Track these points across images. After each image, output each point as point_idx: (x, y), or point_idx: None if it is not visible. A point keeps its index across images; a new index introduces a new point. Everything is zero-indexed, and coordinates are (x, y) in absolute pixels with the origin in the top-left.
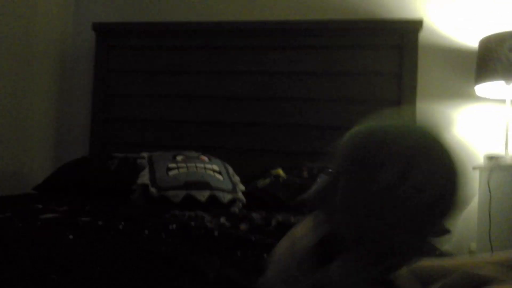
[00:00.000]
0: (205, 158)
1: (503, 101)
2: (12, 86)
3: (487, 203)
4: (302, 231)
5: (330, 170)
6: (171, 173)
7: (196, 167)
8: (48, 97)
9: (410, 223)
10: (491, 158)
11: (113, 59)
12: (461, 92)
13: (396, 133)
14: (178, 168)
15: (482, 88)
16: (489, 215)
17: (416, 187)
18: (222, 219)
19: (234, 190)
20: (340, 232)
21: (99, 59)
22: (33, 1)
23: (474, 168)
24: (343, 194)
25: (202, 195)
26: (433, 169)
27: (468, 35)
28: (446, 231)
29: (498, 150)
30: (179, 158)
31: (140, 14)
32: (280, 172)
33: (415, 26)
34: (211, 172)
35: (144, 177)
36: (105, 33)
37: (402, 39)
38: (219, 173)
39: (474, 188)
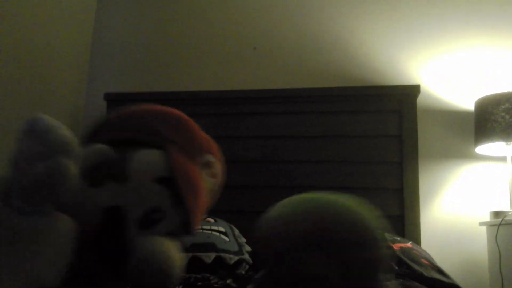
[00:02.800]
0: (211, 220)
1: (504, 158)
2: None
3: (497, 260)
4: None
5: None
6: None
7: (202, 229)
8: None
9: None
10: (497, 214)
11: None
12: (462, 152)
13: (285, 224)
14: None
15: (483, 148)
16: (500, 272)
17: (307, 279)
18: (229, 281)
19: (240, 251)
20: None
21: None
22: (47, 72)
23: (481, 224)
24: None
25: (208, 257)
26: (321, 259)
27: (464, 98)
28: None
29: (503, 206)
30: None
31: (149, 84)
32: None
33: (413, 91)
34: (217, 234)
35: None
36: (116, 102)
37: (401, 103)
38: (225, 234)
39: (482, 245)
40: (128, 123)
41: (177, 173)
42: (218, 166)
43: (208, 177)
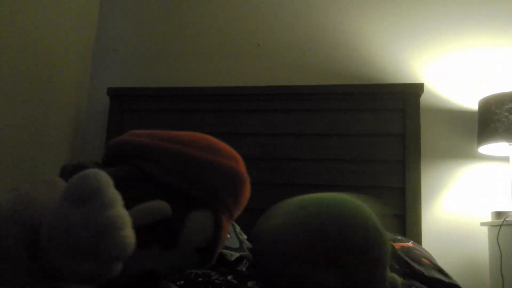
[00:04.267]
0: None
1: (507, 158)
2: (27, 149)
3: (498, 261)
4: None
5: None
6: None
7: None
8: (61, 161)
9: None
10: (498, 214)
11: (125, 121)
12: (464, 152)
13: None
14: None
15: (486, 148)
16: (501, 272)
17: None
18: (230, 277)
19: (241, 248)
20: None
21: (112, 122)
22: (51, 67)
23: (482, 224)
24: None
25: None
26: (319, 271)
27: (467, 97)
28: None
29: (505, 207)
30: None
31: (152, 80)
32: None
33: (417, 89)
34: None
35: None
36: (119, 97)
37: (405, 102)
38: None
39: (483, 245)
40: (190, 170)
41: (220, 244)
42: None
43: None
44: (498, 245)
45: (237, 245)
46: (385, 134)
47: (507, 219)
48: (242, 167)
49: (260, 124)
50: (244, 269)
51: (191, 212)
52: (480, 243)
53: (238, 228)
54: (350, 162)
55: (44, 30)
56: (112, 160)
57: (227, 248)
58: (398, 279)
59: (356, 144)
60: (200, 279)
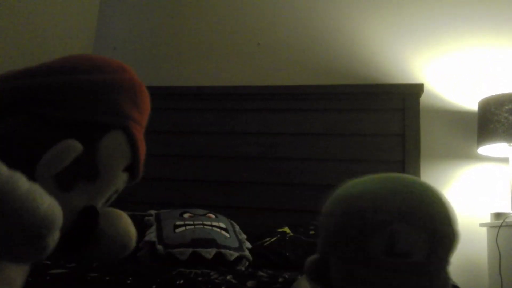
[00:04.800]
0: (212, 216)
1: (507, 159)
2: None
3: (497, 262)
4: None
5: (319, 244)
6: (178, 230)
7: (203, 224)
8: None
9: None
10: (498, 216)
11: None
12: (464, 152)
13: (376, 199)
14: (185, 225)
15: (485, 148)
16: (500, 273)
17: (402, 254)
18: (229, 277)
19: (240, 248)
20: None
21: None
22: None
23: (481, 225)
24: (335, 271)
25: (209, 253)
26: (416, 233)
27: (467, 98)
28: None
29: (504, 208)
30: (186, 215)
31: (152, 78)
32: (287, 230)
33: (416, 90)
34: (218, 230)
35: (151, 235)
36: None
37: (404, 102)
38: (226, 230)
39: (482, 246)
40: (87, 98)
41: (140, 159)
42: None
43: None
44: (497, 246)
45: (236, 244)
46: (385, 134)
47: (506, 220)
48: (130, 73)
49: (260, 123)
50: (243, 269)
51: (101, 138)
52: (479, 244)
53: (237, 228)
54: (349, 162)
55: (44, 29)
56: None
57: (226, 247)
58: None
59: (356, 144)
60: (199, 279)
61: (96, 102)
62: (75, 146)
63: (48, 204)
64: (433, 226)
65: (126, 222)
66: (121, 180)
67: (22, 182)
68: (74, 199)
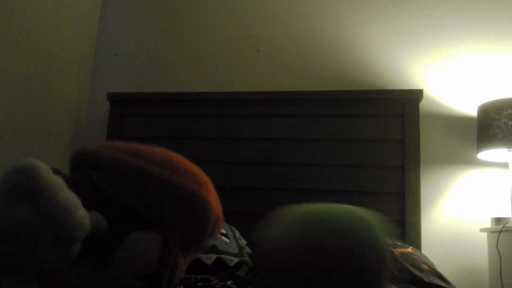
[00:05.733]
0: None
1: (506, 164)
2: (28, 153)
3: (498, 267)
4: None
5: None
6: None
7: None
8: (62, 165)
9: None
10: (498, 221)
11: (125, 126)
12: (463, 158)
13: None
14: None
15: (485, 154)
16: (501, 278)
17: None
18: (229, 282)
19: (240, 253)
20: None
21: (112, 126)
22: (51, 72)
23: (481, 231)
24: None
25: (209, 258)
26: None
27: (466, 103)
28: None
29: (504, 213)
30: None
31: (152, 85)
32: None
33: (416, 95)
34: (218, 235)
35: None
36: (119, 102)
37: (404, 108)
38: (226, 236)
39: (482, 251)
40: (134, 183)
41: (164, 274)
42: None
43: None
44: (498, 251)
45: (236, 250)
46: (384, 139)
47: (506, 225)
48: (203, 190)
49: (260, 129)
50: (243, 274)
51: (131, 232)
52: (480, 249)
53: (237, 233)
54: (349, 168)
55: (45, 35)
56: (75, 170)
57: (226, 253)
58: None
59: (356, 149)
60: (199, 284)
61: (146, 193)
62: (99, 222)
63: (83, 212)
64: (383, 264)
65: None
66: (131, 286)
67: (64, 188)
68: (74, 276)
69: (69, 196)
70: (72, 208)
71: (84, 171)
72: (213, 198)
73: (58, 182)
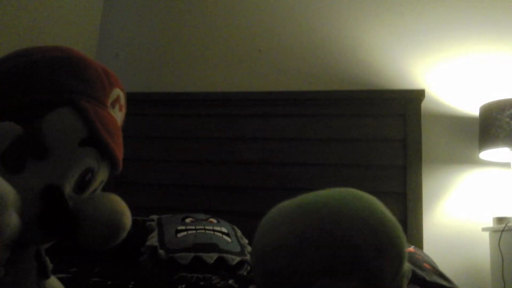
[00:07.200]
0: (214, 221)
1: (508, 164)
2: None
3: (500, 266)
4: None
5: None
6: (180, 235)
7: (205, 229)
8: None
9: None
10: (500, 220)
11: (128, 125)
12: (465, 157)
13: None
14: (187, 230)
15: (487, 153)
16: (503, 278)
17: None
18: (231, 281)
19: (242, 252)
20: None
21: None
22: None
23: (483, 230)
24: None
25: (210, 257)
26: (390, 265)
27: (468, 103)
28: None
29: (506, 212)
30: (188, 220)
31: (154, 85)
32: None
33: (418, 95)
34: (220, 234)
35: (153, 239)
36: None
37: (406, 108)
38: (228, 235)
39: (484, 251)
40: (25, 79)
41: (98, 129)
42: (123, 95)
43: (118, 112)
44: (500, 251)
45: (238, 249)
46: (386, 139)
47: (508, 224)
48: (70, 51)
49: (262, 129)
50: (245, 273)
51: (43, 117)
52: (482, 249)
53: (239, 233)
54: (351, 167)
55: (47, 36)
56: None
57: (228, 252)
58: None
59: (358, 149)
60: (201, 283)
61: (34, 82)
62: (13, 128)
63: (8, 216)
64: (400, 251)
65: (113, 200)
66: (85, 156)
67: None
68: (28, 179)
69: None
70: None
71: None
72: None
73: None
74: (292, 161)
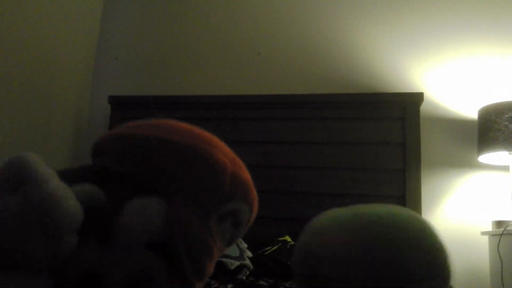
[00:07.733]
0: None
1: (507, 167)
2: None
3: (499, 270)
4: None
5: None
6: None
7: None
8: (63, 167)
9: None
10: (499, 224)
11: None
12: (464, 160)
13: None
14: None
15: (486, 157)
16: (502, 282)
17: None
18: (230, 286)
19: (241, 256)
20: None
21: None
22: (53, 75)
23: (482, 234)
24: None
25: None
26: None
27: (467, 106)
28: None
29: (505, 216)
30: None
31: (153, 88)
32: (288, 238)
33: (417, 99)
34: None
35: None
36: (120, 105)
37: (405, 111)
38: None
39: (483, 254)
40: (129, 149)
41: (177, 237)
42: (247, 211)
43: (228, 227)
44: (499, 254)
45: (237, 253)
46: (385, 142)
47: (507, 228)
48: (206, 145)
49: (261, 132)
50: (244, 278)
51: (130, 199)
52: (481, 252)
53: None
54: (350, 171)
55: (47, 39)
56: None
57: (227, 256)
58: None
59: (356, 152)
60: None
61: (141, 157)
62: (95, 193)
63: (73, 202)
64: (448, 279)
65: None
66: (142, 259)
67: (53, 178)
68: (80, 256)
69: (58, 186)
70: (59, 198)
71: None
72: (221, 152)
73: (47, 172)
74: (291, 164)
